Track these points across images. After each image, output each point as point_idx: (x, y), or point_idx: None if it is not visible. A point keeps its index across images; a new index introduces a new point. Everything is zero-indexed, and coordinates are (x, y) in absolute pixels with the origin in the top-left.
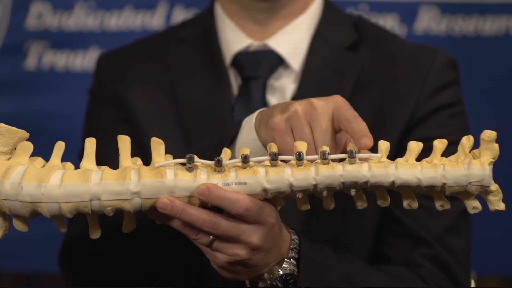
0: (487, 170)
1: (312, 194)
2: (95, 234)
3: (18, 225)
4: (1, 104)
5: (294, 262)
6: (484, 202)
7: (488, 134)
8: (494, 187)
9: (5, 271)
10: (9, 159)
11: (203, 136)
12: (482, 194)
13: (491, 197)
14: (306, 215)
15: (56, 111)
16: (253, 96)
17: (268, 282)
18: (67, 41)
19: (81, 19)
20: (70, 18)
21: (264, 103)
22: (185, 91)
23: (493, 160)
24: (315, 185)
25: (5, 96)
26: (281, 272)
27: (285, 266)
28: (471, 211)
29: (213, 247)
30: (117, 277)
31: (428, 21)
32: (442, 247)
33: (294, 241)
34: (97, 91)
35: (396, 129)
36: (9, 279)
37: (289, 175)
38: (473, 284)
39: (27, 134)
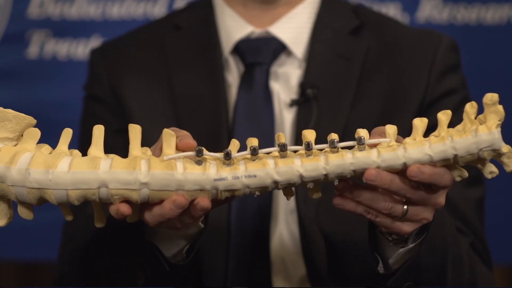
0: (496, 133)
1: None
2: (100, 223)
3: (23, 212)
4: (3, 93)
5: None
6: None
7: (490, 97)
8: (506, 148)
9: (5, 260)
10: (16, 145)
11: (199, 129)
12: (496, 158)
13: (505, 159)
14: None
15: (58, 100)
16: (256, 83)
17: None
18: (69, 29)
19: (83, 7)
20: (72, 7)
21: (267, 90)
22: (181, 84)
23: (500, 123)
24: (325, 175)
25: (6, 85)
26: None
27: None
28: (489, 176)
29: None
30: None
31: (430, 10)
32: (474, 235)
33: None
34: (94, 90)
35: (409, 114)
36: (9, 268)
37: (299, 166)
38: None
39: (34, 121)
